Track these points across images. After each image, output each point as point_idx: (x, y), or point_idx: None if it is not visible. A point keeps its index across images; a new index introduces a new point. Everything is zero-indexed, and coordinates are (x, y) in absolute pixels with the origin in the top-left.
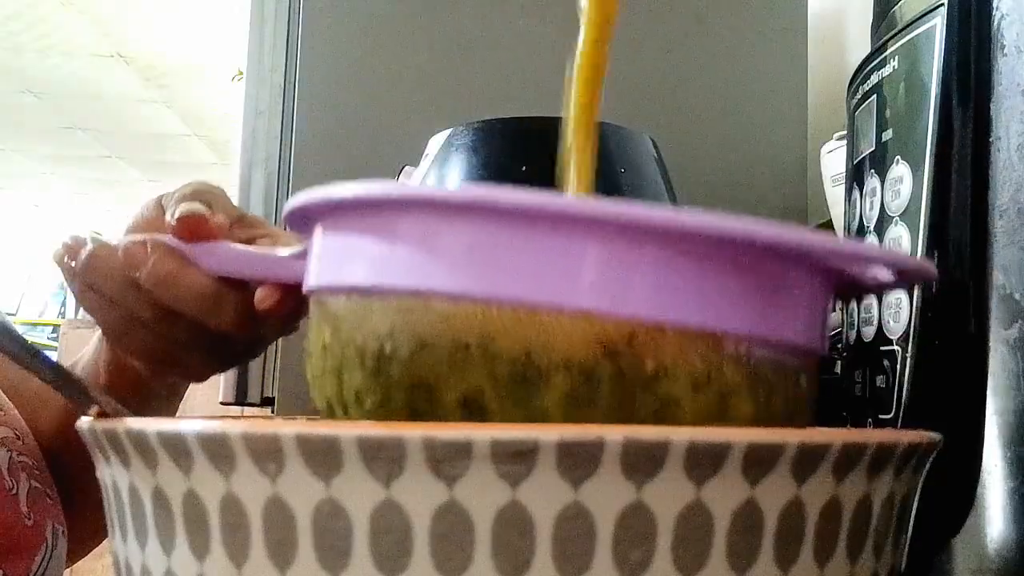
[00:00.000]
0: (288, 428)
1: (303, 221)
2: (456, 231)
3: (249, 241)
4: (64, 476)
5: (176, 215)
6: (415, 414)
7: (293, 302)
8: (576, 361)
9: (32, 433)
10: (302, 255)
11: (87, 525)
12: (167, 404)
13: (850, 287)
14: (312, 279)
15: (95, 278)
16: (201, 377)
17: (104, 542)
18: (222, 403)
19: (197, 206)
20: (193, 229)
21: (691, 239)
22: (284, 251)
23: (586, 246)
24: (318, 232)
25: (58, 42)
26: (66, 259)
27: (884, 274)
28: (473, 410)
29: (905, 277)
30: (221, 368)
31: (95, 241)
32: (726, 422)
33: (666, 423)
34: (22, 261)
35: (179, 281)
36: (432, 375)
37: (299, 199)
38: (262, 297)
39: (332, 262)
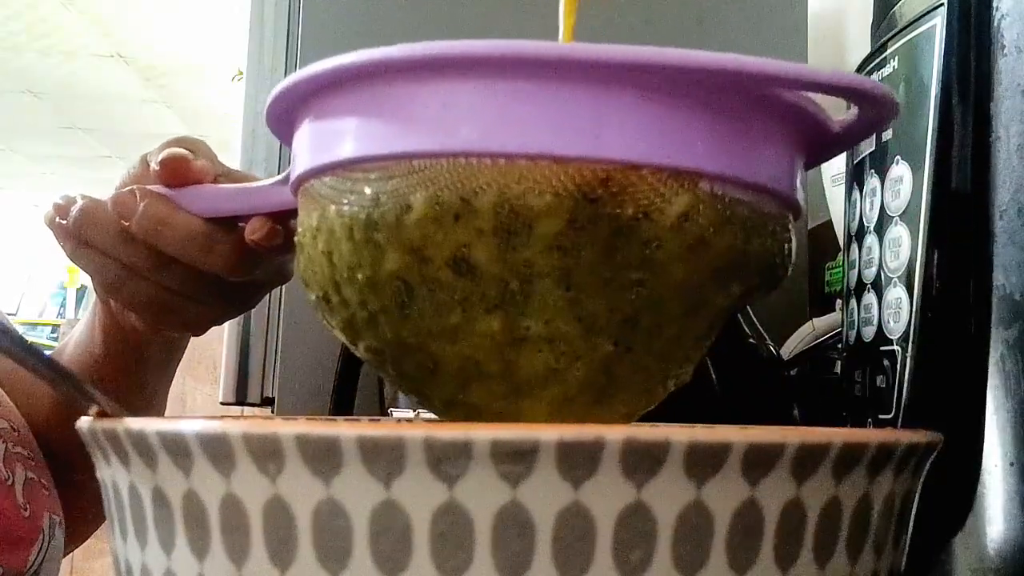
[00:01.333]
0: (288, 428)
1: (285, 116)
2: (429, 90)
3: None
4: (59, 463)
5: (159, 159)
6: (407, 284)
7: (283, 233)
8: (557, 208)
9: (26, 420)
10: (285, 180)
11: (84, 513)
12: (165, 366)
13: (821, 147)
14: (298, 168)
15: (87, 232)
16: (199, 328)
17: (99, 539)
18: (222, 403)
19: (179, 150)
20: (176, 172)
21: (661, 80)
22: (268, 181)
23: (557, 92)
24: (300, 124)
25: (58, 42)
26: (57, 219)
27: (849, 116)
28: (462, 269)
29: (867, 114)
30: (218, 318)
31: (84, 198)
32: (706, 263)
33: (649, 267)
34: (22, 261)
35: (169, 225)
36: (419, 237)
37: (276, 89)
38: (252, 229)
39: (314, 145)
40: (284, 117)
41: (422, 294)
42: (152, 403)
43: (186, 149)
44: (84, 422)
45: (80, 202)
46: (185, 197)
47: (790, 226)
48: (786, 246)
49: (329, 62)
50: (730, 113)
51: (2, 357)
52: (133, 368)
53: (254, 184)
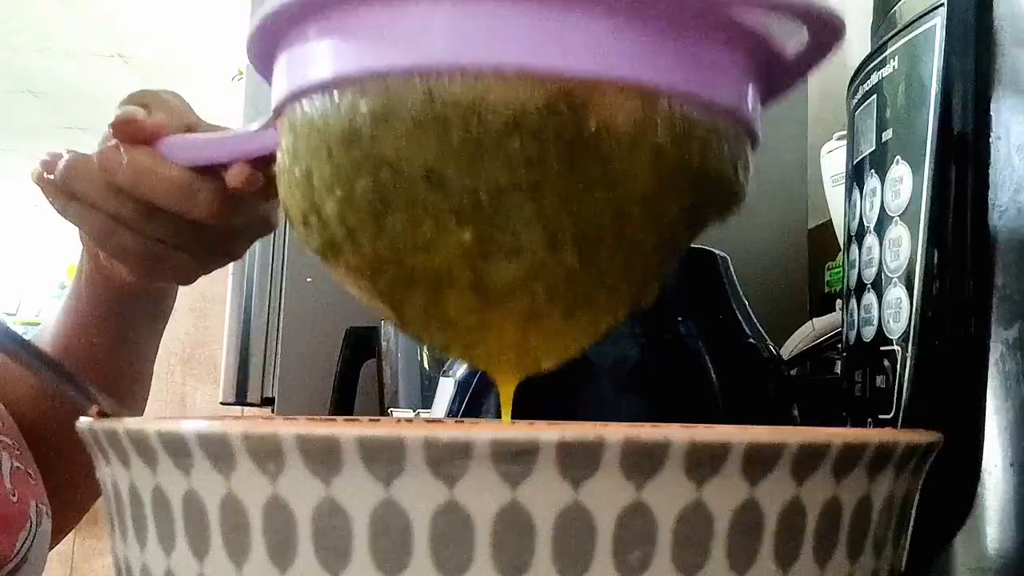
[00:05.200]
0: (288, 428)
1: (266, 60)
2: (400, 9)
3: None
4: (41, 451)
5: (111, 122)
6: (383, 198)
7: (264, 178)
8: (523, 120)
9: (6, 407)
10: (266, 125)
11: (67, 500)
12: (151, 322)
13: (779, 76)
14: (277, 94)
15: (75, 185)
16: (187, 278)
17: (99, 539)
18: (222, 403)
19: (131, 108)
20: (127, 132)
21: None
22: (251, 126)
23: (523, 6)
24: (280, 54)
25: (58, 42)
26: (45, 174)
27: (800, 43)
28: (434, 182)
29: (816, 37)
30: (204, 269)
31: (71, 152)
32: (663, 176)
33: (609, 178)
34: (21, 261)
35: (153, 175)
36: (393, 150)
37: (255, 21)
38: (233, 175)
39: (291, 71)
40: (265, 53)
41: (396, 207)
42: (136, 362)
43: (140, 104)
44: (84, 422)
45: (66, 157)
46: (168, 148)
47: (746, 149)
48: (741, 168)
49: None
50: (691, 34)
51: None
52: (118, 321)
53: (235, 132)
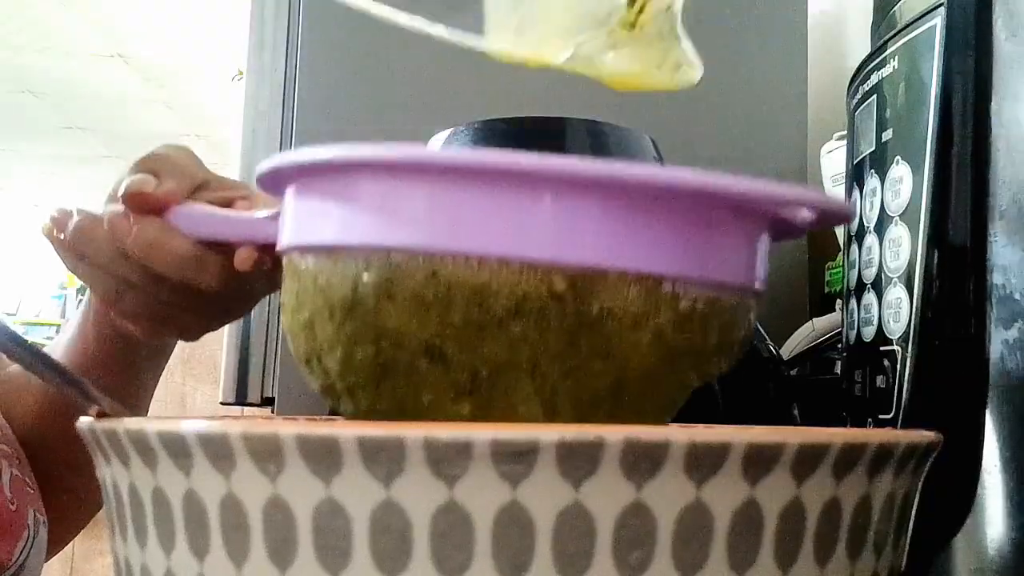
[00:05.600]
0: (288, 428)
1: (274, 184)
2: (412, 190)
3: (227, 203)
4: (39, 472)
5: (121, 192)
6: (383, 365)
7: (272, 262)
8: (525, 306)
9: (11, 424)
10: (276, 216)
11: (64, 516)
12: (156, 367)
13: (781, 228)
14: (283, 240)
15: (84, 249)
16: (195, 335)
17: (100, 539)
18: (222, 403)
19: (140, 179)
20: (137, 204)
21: (626, 192)
22: (260, 213)
23: (527, 199)
24: (288, 195)
25: (58, 42)
26: (55, 232)
27: (806, 213)
28: (435, 356)
29: (825, 218)
30: (215, 325)
31: (81, 213)
32: (665, 354)
33: (610, 357)
34: (21, 261)
35: (162, 247)
36: (394, 325)
37: (268, 163)
38: (241, 260)
39: (301, 223)
40: (273, 184)
41: (396, 376)
42: (139, 395)
43: (150, 171)
44: (84, 422)
45: (76, 218)
46: (178, 218)
47: (750, 311)
48: (744, 330)
49: (313, 153)
50: (693, 218)
51: None
52: (125, 367)
53: (244, 215)
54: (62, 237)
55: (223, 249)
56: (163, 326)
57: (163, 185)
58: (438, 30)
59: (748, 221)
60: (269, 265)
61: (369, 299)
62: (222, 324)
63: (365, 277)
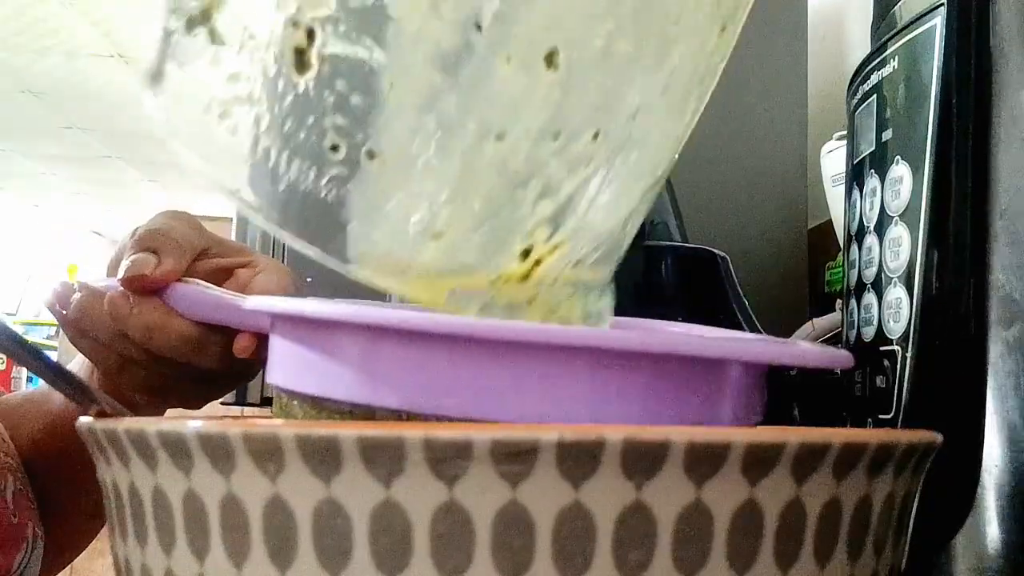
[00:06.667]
0: (288, 428)
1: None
2: (393, 351)
3: (227, 270)
4: (46, 490)
5: (119, 276)
6: None
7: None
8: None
9: (16, 445)
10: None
11: (61, 540)
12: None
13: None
14: (270, 376)
15: (86, 325)
16: (198, 405)
17: (100, 539)
18: (222, 403)
19: (139, 259)
20: (137, 286)
21: (608, 357)
22: (253, 303)
23: (518, 366)
24: (273, 335)
25: (58, 42)
26: (57, 306)
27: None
28: None
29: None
30: (215, 396)
31: (83, 288)
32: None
33: None
34: (22, 261)
35: (162, 330)
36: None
37: (253, 304)
38: (240, 348)
39: (284, 366)
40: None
41: None
42: None
43: (149, 249)
44: (84, 422)
45: (78, 295)
46: (177, 300)
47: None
48: None
49: (294, 305)
50: (685, 380)
51: None
52: None
53: (240, 301)
54: (64, 312)
55: (224, 329)
56: (165, 398)
57: (162, 264)
58: (312, 251)
59: (745, 372)
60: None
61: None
62: (227, 392)
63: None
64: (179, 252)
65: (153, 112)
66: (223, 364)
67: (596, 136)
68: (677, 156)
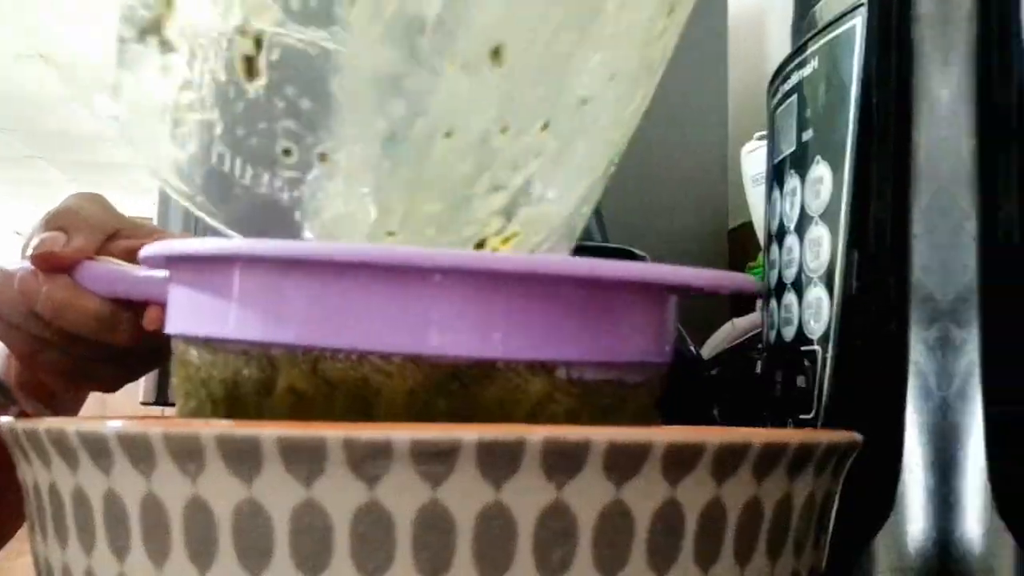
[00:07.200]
0: (208, 429)
1: (161, 264)
2: (285, 285)
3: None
4: None
5: (27, 254)
6: None
7: None
8: (410, 400)
9: None
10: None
11: None
12: (74, 412)
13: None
14: (169, 325)
15: None
16: (113, 388)
17: (21, 539)
18: (142, 403)
19: (49, 236)
20: (46, 263)
21: (510, 277)
22: (163, 274)
23: (406, 293)
24: (171, 282)
25: None
26: None
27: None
28: None
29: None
30: (131, 377)
31: None
32: None
33: None
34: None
35: (72, 308)
36: (275, 418)
37: (149, 249)
38: (150, 320)
39: (182, 313)
40: (158, 265)
41: None
42: None
43: (59, 228)
44: (5, 422)
45: None
46: (86, 276)
47: (657, 381)
48: (654, 401)
49: (190, 245)
50: (584, 302)
51: None
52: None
53: (147, 274)
54: None
55: (135, 305)
56: (81, 381)
57: (72, 242)
58: None
59: (647, 300)
60: None
61: (250, 395)
62: (139, 376)
63: (245, 372)
64: (89, 231)
65: (109, 120)
66: (136, 339)
67: (545, 126)
68: (626, 142)
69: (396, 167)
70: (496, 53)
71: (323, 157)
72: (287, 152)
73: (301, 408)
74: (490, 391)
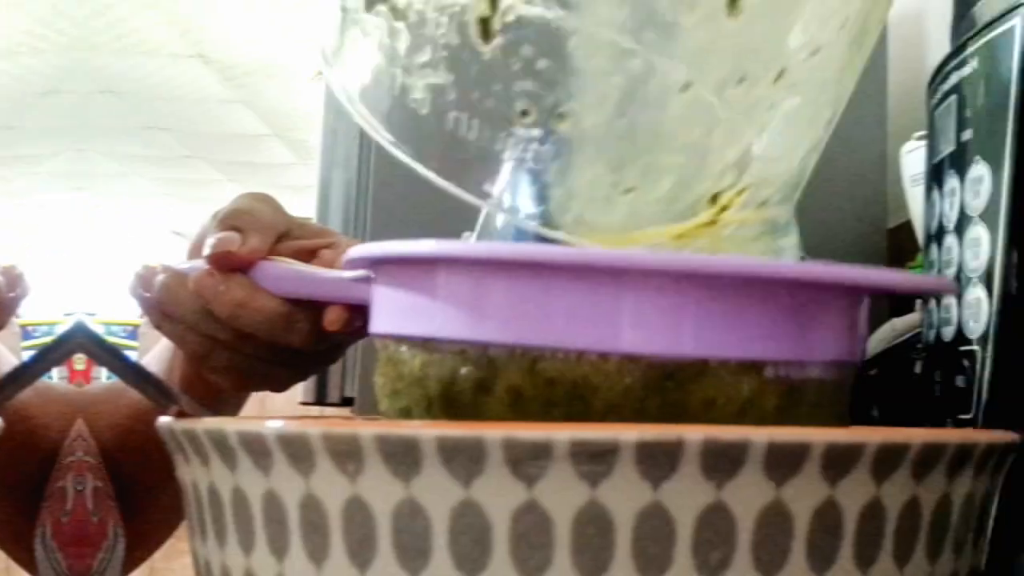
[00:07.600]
0: (367, 428)
1: (363, 266)
2: (505, 285)
3: (310, 251)
4: (124, 486)
5: (204, 253)
6: None
7: (361, 320)
8: (626, 399)
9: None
10: (365, 279)
11: (141, 536)
12: (238, 409)
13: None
14: (376, 326)
15: (170, 308)
16: (283, 387)
17: (180, 539)
18: (301, 403)
19: (225, 237)
20: (223, 263)
21: (727, 284)
22: (347, 274)
23: (626, 294)
24: (377, 282)
25: (137, 42)
26: (140, 290)
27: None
28: None
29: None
30: (301, 377)
31: (166, 270)
32: None
33: None
34: (101, 262)
35: (249, 308)
36: (492, 418)
37: (356, 252)
38: (331, 321)
39: (391, 313)
40: (361, 266)
41: None
42: None
43: (234, 227)
44: (164, 422)
45: (162, 276)
46: (264, 276)
47: (851, 381)
48: (848, 401)
49: (399, 247)
50: (794, 303)
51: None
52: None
53: (331, 274)
54: (147, 295)
55: (311, 305)
56: (251, 380)
57: (247, 242)
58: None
59: (847, 301)
60: (360, 324)
61: (467, 394)
62: (312, 374)
63: (463, 371)
64: (262, 231)
65: (333, 85)
66: (311, 340)
67: (779, 76)
68: (847, 99)
69: (633, 123)
70: (733, 2)
71: (561, 116)
72: (524, 113)
73: (519, 406)
74: (702, 390)
